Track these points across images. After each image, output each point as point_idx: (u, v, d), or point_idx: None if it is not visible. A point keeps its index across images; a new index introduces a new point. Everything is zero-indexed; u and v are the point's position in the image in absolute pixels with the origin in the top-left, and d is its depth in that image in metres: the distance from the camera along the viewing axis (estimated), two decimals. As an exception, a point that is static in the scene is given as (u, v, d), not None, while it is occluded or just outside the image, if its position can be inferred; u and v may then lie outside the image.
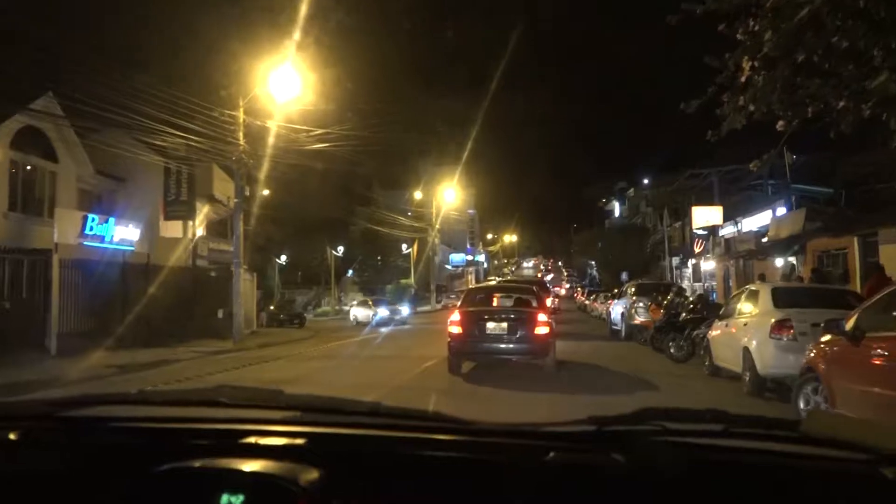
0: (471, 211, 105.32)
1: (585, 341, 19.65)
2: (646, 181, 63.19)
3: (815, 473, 1.17)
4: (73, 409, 1.52)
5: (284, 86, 18.51)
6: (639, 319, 18.55)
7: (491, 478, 1.19)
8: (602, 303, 33.45)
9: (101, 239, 18.34)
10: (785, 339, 8.03)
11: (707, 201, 33.81)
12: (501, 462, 1.22)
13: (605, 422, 1.28)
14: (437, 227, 63.89)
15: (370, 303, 37.34)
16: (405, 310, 38.99)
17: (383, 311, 34.39)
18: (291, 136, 19.60)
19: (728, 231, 29.41)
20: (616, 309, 21.58)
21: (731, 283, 25.90)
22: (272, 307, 38.44)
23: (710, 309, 12.84)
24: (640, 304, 18.93)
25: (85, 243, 17.63)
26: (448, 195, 55.73)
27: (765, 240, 21.82)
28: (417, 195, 55.37)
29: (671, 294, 15.29)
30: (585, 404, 7.34)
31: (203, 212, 23.14)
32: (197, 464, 1.16)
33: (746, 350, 8.69)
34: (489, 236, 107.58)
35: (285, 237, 57.20)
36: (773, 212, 25.06)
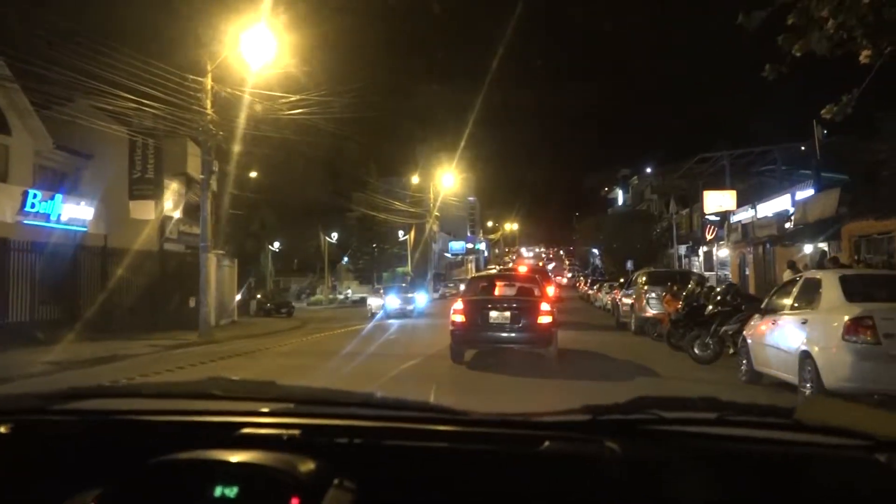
0: (471, 198, 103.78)
1: (591, 333, 17.87)
2: (649, 170, 61.61)
3: (810, 460, 1.18)
4: (65, 403, 1.52)
5: (259, 49, 16.52)
6: (651, 312, 16.69)
7: (485, 467, 1.19)
8: (607, 292, 31.76)
9: (47, 218, 16.40)
10: (863, 342, 6.15)
11: (717, 187, 31.94)
12: (496, 452, 1.22)
13: (599, 411, 1.28)
14: (436, 213, 62.16)
15: (381, 291, 33.06)
16: (421, 298, 32.13)
17: (393, 301, 27.58)
18: (267, 106, 17.63)
19: (742, 216, 27.46)
20: (625, 300, 19.70)
21: (747, 272, 23.99)
22: (259, 296, 36.62)
23: (746, 301, 10.92)
24: (653, 295, 17.04)
25: (25, 222, 15.72)
26: (447, 180, 53.75)
27: (789, 225, 19.87)
28: (415, 180, 53.30)
29: (691, 283, 13.37)
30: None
31: (176, 191, 21.20)
32: (190, 456, 1.13)
33: (806, 355, 6.80)
34: (489, 224, 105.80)
35: (279, 223, 55.86)
36: (793, 196, 23.12)
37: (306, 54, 18.35)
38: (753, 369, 8.61)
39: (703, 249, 30.37)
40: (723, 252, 28.39)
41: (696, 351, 11.13)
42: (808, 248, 17.92)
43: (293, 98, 16.90)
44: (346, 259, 56.74)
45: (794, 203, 22.87)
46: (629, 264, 40.23)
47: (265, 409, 1.44)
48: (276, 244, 56.35)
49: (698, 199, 40.19)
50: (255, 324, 24.37)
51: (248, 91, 16.93)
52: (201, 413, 1.42)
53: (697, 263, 35.02)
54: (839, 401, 2.63)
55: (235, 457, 1.12)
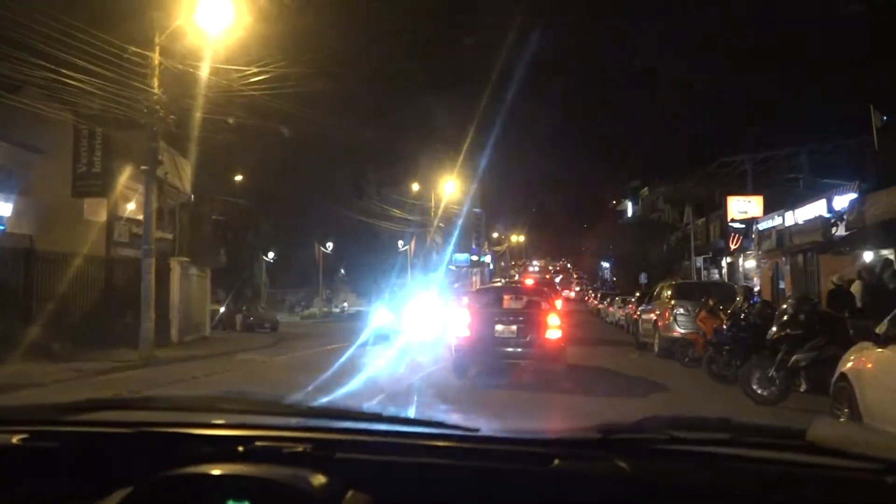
0: (477, 210, 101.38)
1: (606, 353, 15.14)
2: (661, 180, 59.22)
3: (822, 482, 1.16)
4: (79, 414, 1.53)
5: (217, 18, 13.95)
6: (679, 331, 13.97)
7: (496, 485, 1.18)
8: (620, 307, 29.17)
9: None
10: None
11: (740, 193, 29.22)
12: (506, 469, 1.21)
13: (611, 429, 1.27)
14: (439, 223, 59.55)
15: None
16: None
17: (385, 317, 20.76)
18: (233, 83, 15.03)
19: (772, 223, 24.64)
20: (645, 316, 16.94)
21: (782, 285, 21.16)
22: (245, 308, 33.90)
23: (822, 321, 8.11)
24: (682, 311, 14.33)
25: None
26: (450, 189, 51.16)
27: (836, 230, 17.06)
28: (415, 187, 50.62)
29: (739, 297, 10.58)
30: None
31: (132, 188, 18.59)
32: (201, 470, 1.13)
33: None
34: (494, 235, 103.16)
35: (275, 232, 53.77)
36: (829, 202, 20.35)
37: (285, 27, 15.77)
38: (864, 421, 5.81)
39: (726, 260, 27.53)
40: (749, 263, 25.57)
41: (757, 388, 8.32)
42: (867, 256, 15.11)
43: (251, 69, 14.24)
44: (343, 271, 54.11)
45: (830, 209, 20.13)
46: (643, 277, 37.70)
47: (276, 423, 1.45)
48: (271, 254, 54.06)
49: (717, 207, 37.54)
50: (227, 340, 21.70)
51: (206, 67, 14.34)
52: (213, 427, 1.42)
53: (717, 276, 32.23)
54: (852, 423, 2.34)
55: (247, 471, 1.13)
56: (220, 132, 16.82)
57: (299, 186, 50.13)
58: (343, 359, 13.70)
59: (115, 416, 1.53)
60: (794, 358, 7.98)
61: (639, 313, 19.82)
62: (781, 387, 8.11)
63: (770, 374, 8.20)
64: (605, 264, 78.92)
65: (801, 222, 21.05)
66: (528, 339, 10.05)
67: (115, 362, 13.44)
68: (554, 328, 10.16)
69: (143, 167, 14.06)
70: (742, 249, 27.24)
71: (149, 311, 13.76)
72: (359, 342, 16.64)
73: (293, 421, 1.47)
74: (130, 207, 18.51)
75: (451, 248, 55.17)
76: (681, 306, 14.26)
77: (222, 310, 32.38)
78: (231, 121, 18.00)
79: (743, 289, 11.08)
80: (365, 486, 1.12)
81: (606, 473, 1.16)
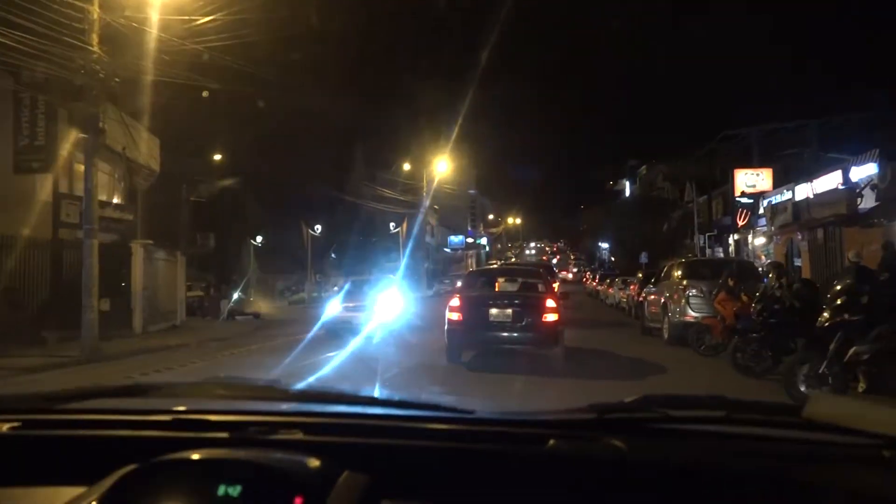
0: (472, 191, 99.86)
1: (616, 342, 13.59)
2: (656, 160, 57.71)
3: (818, 458, 1.16)
4: (70, 402, 1.53)
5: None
6: (693, 315, 12.41)
7: (490, 466, 1.17)
8: (621, 288, 27.65)
9: None
10: None
11: (747, 166, 27.52)
12: (500, 451, 1.21)
13: (606, 409, 1.27)
14: (433, 205, 58.17)
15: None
16: (390, 303, 16.72)
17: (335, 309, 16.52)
18: (187, 47, 13.28)
19: (779, 198, 23.00)
20: (652, 298, 15.34)
21: (797, 262, 19.56)
22: (231, 296, 32.17)
23: (879, 300, 6.46)
24: (695, 293, 12.76)
25: None
26: (444, 169, 49.40)
27: (861, 202, 15.43)
28: (406, 167, 48.82)
29: (772, 275, 8.93)
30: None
31: (109, 172, 16.91)
32: (193, 455, 1.11)
33: None
34: (490, 217, 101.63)
35: (265, 215, 52.33)
36: (846, 172, 18.75)
37: None
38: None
39: (732, 238, 25.88)
40: (759, 240, 23.93)
41: (804, 386, 6.69)
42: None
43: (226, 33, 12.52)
44: (334, 254, 52.36)
45: (846, 181, 18.52)
46: (643, 257, 36.25)
47: (271, 409, 1.44)
48: (260, 238, 52.44)
49: (719, 184, 35.96)
50: (198, 329, 20.04)
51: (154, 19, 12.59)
52: (204, 412, 1.39)
53: (721, 255, 30.65)
54: (848, 398, 2.24)
55: (239, 456, 1.12)
56: (195, 104, 15.05)
57: (287, 167, 48.57)
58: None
59: (108, 404, 1.52)
60: (852, 350, 6.37)
61: (643, 295, 18.30)
62: (836, 386, 6.50)
63: (821, 371, 6.59)
64: (604, 245, 77.51)
65: (814, 195, 19.47)
66: (523, 322, 9.72)
67: (56, 357, 11.85)
68: (551, 311, 9.79)
69: (81, 135, 12.32)
70: (749, 226, 25.62)
71: (91, 298, 12.09)
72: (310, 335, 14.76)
73: (287, 406, 1.46)
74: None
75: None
76: (694, 287, 12.67)
77: (201, 294, 30.84)
78: (206, 94, 16.38)
79: (774, 265, 9.42)
80: (360, 468, 1.09)
81: (601, 453, 1.15)
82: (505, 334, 9.83)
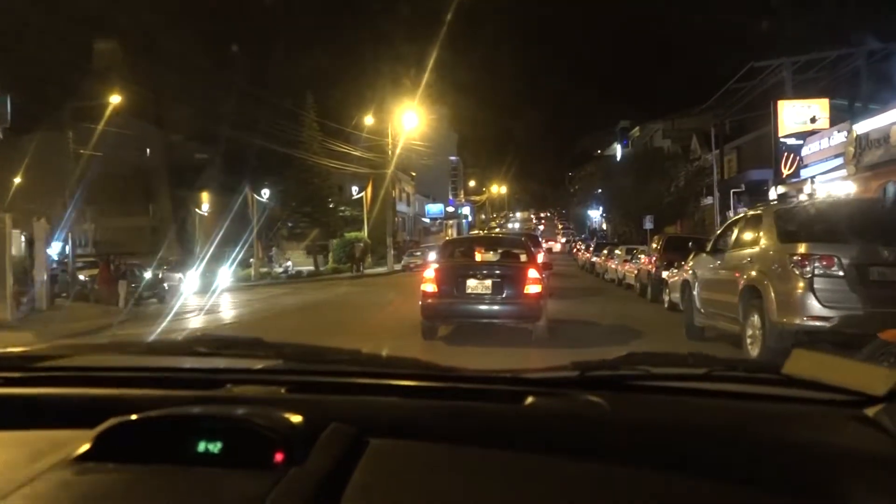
0: (453, 157, 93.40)
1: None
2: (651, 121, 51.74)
3: (798, 415, 1.16)
4: (47, 360, 1.51)
5: None
6: (827, 314, 6.05)
7: (469, 423, 1.16)
8: (626, 260, 21.66)
9: None
10: None
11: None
12: (480, 408, 1.20)
13: (587, 367, 1.27)
14: (410, 170, 51.65)
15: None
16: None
17: None
18: None
19: (842, 136, 16.66)
20: (708, 279, 8.96)
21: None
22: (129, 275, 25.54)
23: None
24: (829, 270, 6.39)
25: None
26: (415, 123, 42.69)
27: None
28: (369, 120, 41.92)
29: None
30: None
31: None
32: (173, 412, 1.10)
33: None
34: (471, 184, 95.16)
35: (212, 180, 46.02)
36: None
37: None
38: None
39: (774, 191, 19.64)
40: (819, 189, 17.61)
41: None
42: None
43: None
44: (290, 224, 45.61)
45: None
46: (647, 221, 30.24)
47: (251, 366, 1.44)
48: (206, 206, 45.69)
49: (731, 138, 29.89)
50: (52, 320, 13.70)
51: None
52: (186, 370, 1.42)
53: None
54: (829, 355, 1.54)
55: (219, 412, 1.11)
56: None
57: (232, 122, 41.87)
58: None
59: (85, 361, 1.52)
60: None
61: (674, 273, 12.13)
62: None
63: None
64: (595, 213, 71.72)
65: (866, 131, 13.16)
66: (504, 294, 9.27)
67: None
68: (533, 282, 9.28)
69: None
70: (796, 175, 19.38)
71: None
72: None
73: (269, 363, 1.45)
74: None
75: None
76: (824, 259, 6.29)
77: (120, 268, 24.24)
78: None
79: None
80: (339, 426, 1.08)
81: (580, 409, 1.15)
82: (484, 307, 9.48)
